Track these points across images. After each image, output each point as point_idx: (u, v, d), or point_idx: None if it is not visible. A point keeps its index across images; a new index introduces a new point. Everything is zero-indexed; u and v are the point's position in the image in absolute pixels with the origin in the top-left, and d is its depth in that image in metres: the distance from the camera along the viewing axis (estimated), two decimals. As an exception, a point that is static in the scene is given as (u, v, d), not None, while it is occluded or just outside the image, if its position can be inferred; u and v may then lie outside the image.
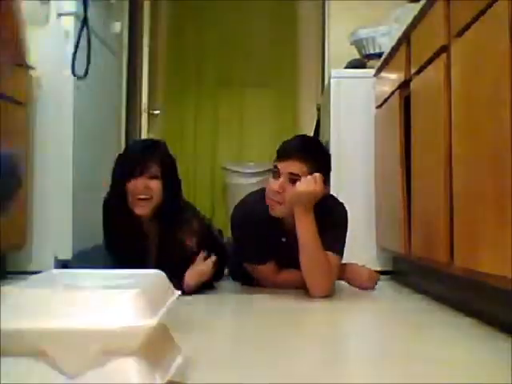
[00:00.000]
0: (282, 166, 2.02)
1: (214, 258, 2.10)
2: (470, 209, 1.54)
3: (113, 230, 2.12)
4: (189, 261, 2.06)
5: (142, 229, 2.11)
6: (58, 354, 0.80)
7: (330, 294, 2.06)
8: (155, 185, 2.03)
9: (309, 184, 1.95)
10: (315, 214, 2.02)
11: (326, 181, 2.09)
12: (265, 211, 2.07)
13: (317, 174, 1.96)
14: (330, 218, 2.10)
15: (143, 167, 2.03)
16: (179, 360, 0.98)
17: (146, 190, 2.03)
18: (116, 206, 2.09)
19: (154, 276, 1.02)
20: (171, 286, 1.04)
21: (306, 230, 1.98)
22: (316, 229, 2.00)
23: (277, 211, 2.05)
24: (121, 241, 2.09)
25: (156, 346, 0.90)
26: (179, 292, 1.03)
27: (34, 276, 1.00)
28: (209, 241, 2.17)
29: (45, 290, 0.88)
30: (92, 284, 0.96)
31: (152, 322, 0.82)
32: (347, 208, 2.21)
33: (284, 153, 2.05)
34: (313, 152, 2.07)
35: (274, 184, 2.03)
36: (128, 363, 0.82)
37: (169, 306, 0.93)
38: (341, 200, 2.25)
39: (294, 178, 1.99)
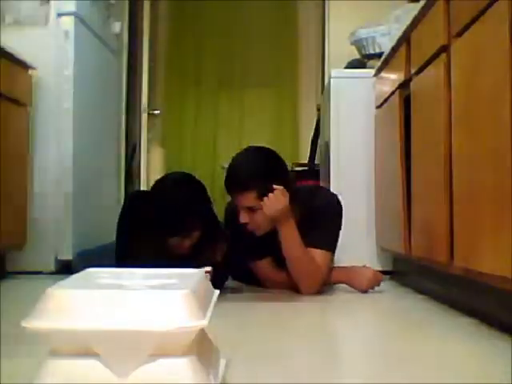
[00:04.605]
0: (235, 201, 2.03)
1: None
2: (469, 209, 1.54)
3: (139, 252, 2.01)
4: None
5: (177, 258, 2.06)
6: (110, 355, 0.80)
7: (320, 291, 2.10)
8: (193, 238, 2.03)
9: (273, 204, 1.93)
10: (302, 213, 2.05)
11: (288, 182, 2.06)
12: None
13: (277, 190, 1.94)
14: (319, 215, 2.10)
15: (180, 230, 2.00)
16: (223, 362, 0.99)
17: (183, 246, 2.02)
18: (151, 237, 2.01)
19: (195, 275, 1.00)
20: (210, 285, 1.04)
21: (288, 240, 2.00)
22: (298, 234, 2.00)
23: (259, 233, 2.06)
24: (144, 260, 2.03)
25: (204, 347, 0.90)
26: (218, 291, 1.03)
27: (73, 276, 0.99)
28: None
29: (95, 290, 0.87)
30: (137, 284, 0.95)
31: (204, 322, 0.82)
32: (346, 204, 2.23)
33: (228, 189, 2.04)
34: (254, 174, 2.00)
35: (241, 218, 2.02)
36: (182, 363, 0.82)
37: (213, 305, 0.93)
38: (341, 199, 2.25)
39: (253, 209, 1.99)
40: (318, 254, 2.09)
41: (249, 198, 1.98)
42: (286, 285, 2.16)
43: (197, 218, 2.02)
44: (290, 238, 2.01)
